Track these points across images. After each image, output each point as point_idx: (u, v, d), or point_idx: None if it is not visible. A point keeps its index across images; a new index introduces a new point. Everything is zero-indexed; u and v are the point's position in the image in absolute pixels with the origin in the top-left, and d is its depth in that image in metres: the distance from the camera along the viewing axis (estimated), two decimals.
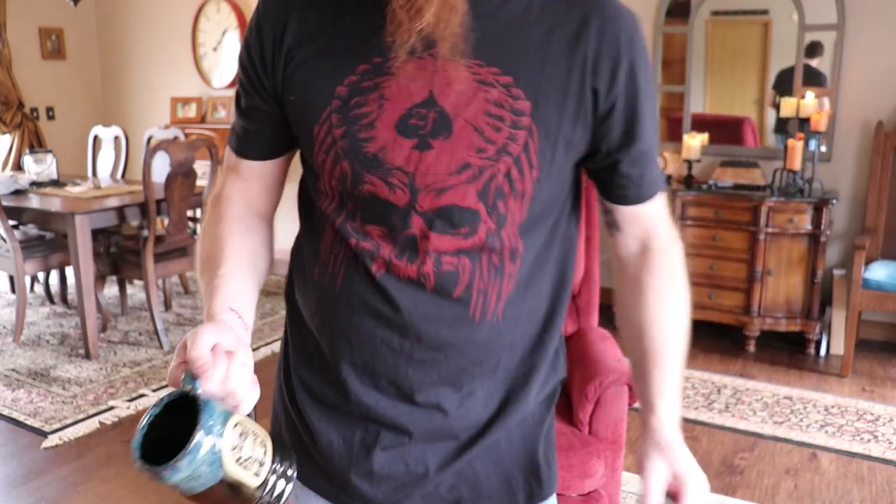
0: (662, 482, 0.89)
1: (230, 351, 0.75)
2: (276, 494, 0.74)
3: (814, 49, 3.87)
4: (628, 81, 0.85)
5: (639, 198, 0.94)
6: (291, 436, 1.00)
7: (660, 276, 0.96)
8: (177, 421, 0.72)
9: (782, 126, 3.94)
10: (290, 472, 0.75)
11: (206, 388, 0.72)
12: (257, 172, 0.99)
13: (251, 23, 0.93)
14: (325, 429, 0.95)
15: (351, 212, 0.89)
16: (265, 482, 0.72)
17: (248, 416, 0.76)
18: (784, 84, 3.95)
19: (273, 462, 0.73)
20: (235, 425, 0.71)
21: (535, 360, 0.96)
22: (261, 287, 0.96)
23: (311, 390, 0.97)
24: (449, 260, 0.87)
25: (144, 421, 0.72)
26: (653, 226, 0.96)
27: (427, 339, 0.89)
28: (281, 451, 0.75)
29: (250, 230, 0.96)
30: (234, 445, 0.70)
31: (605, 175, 0.92)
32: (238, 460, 0.70)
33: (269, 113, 0.93)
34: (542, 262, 0.93)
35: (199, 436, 0.68)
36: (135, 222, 4.00)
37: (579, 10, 0.84)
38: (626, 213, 0.95)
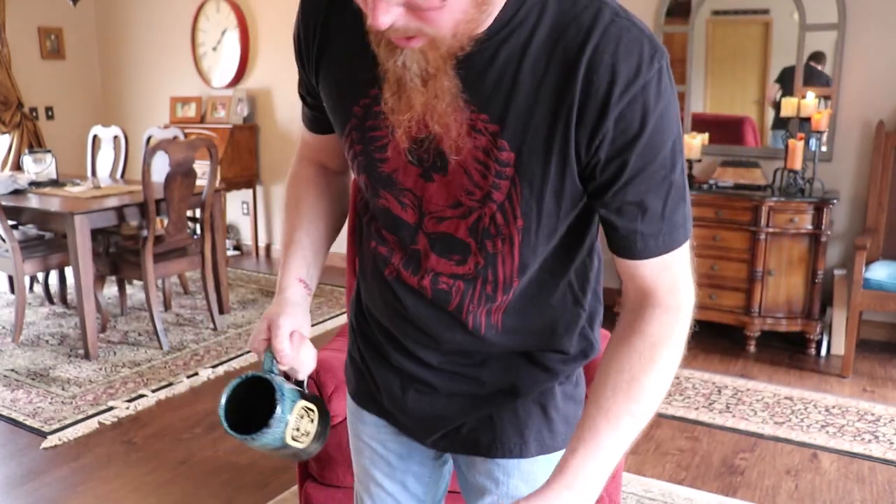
0: None
1: (302, 336, 0.95)
2: (309, 452, 0.97)
3: (817, 57, 3.89)
4: (616, 132, 0.80)
5: (629, 253, 0.87)
6: (357, 370, 1.15)
7: (634, 353, 0.87)
8: (252, 387, 0.92)
9: (781, 123, 3.95)
10: (324, 438, 0.98)
11: (282, 368, 0.94)
12: (324, 142, 1.09)
13: (296, 26, 1.01)
14: (377, 370, 1.10)
15: (373, 216, 1.00)
16: (307, 447, 0.95)
17: (302, 382, 0.97)
18: (787, 81, 3.95)
19: (316, 433, 0.95)
20: (300, 408, 0.92)
21: (552, 351, 1.02)
22: (341, 228, 1.13)
23: (368, 341, 1.11)
24: (445, 280, 0.95)
25: (227, 391, 0.91)
26: (651, 288, 0.88)
27: (432, 334, 0.99)
28: (323, 422, 0.97)
29: (324, 188, 1.10)
30: (296, 426, 0.92)
31: (601, 219, 0.89)
32: (293, 436, 0.92)
33: (319, 104, 1.01)
34: (548, 287, 0.96)
35: (275, 419, 0.89)
36: (134, 222, 4.00)
37: (572, 49, 0.79)
38: (621, 263, 0.89)
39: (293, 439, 0.92)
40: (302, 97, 1.06)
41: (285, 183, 1.16)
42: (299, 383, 0.97)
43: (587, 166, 0.83)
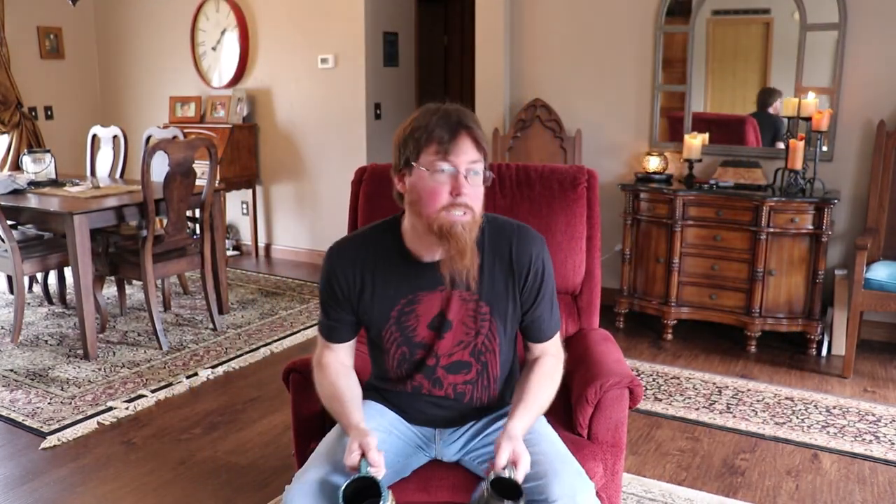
0: (508, 454, 1.47)
1: (380, 451, 1.49)
2: None
3: (770, 94, 3.99)
4: (532, 283, 1.63)
5: (541, 339, 1.70)
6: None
7: (540, 374, 1.66)
8: (359, 483, 1.42)
9: (769, 140, 4.04)
10: None
11: (371, 472, 1.45)
12: (342, 347, 1.71)
13: (327, 273, 1.64)
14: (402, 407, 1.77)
15: (405, 364, 1.68)
16: None
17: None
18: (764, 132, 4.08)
19: None
20: (391, 498, 1.43)
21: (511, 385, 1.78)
22: (361, 392, 1.69)
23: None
24: (460, 388, 1.68)
25: (343, 486, 1.40)
26: (543, 353, 1.71)
27: (449, 413, 1.74)
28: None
29: (347, 377, 1.69)
30: None
31: (523, 325, 1.70)
32: None
33: (350, 320, 1.67)
34: (509, 365, 1.75)
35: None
36: (133, 222, 3.99)
37: (507, 250, 1.62)
38: (532, 345, 1.72)
39: None
40: (334, 320, 1.67)
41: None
42: (374, 480, 1.47)
43: (521, 303, 1.65)
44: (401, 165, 1.55)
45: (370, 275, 1.61)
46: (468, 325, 1.62)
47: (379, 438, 1.63)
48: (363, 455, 1.46)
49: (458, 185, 1.48)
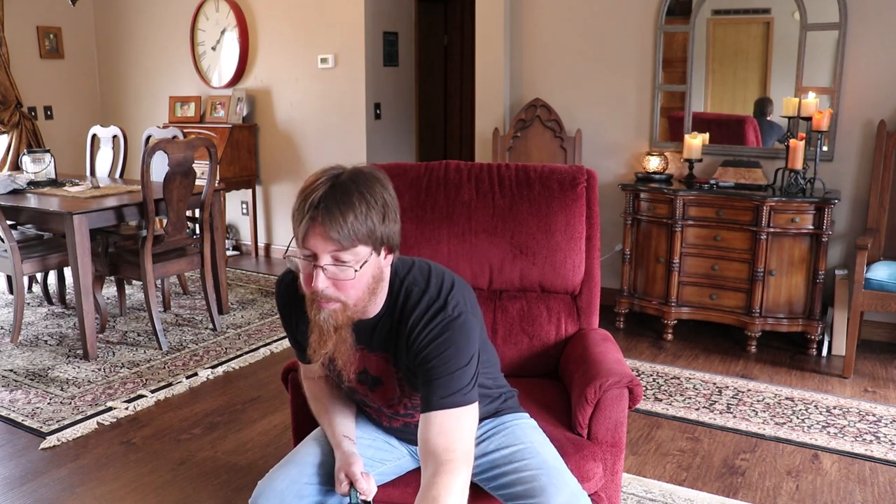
0: None
1: (367, 474, 1.52)
2: None
3: (763, 104, 4.02)
4: (419, 358, 1.44)
5: (422, 406, 1.44)
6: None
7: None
8: None
9: (771, 143, 4.04)
10: None
11: (361, 499, 1.48)
12: (311, 366, 1.65)
13: (279, 310, 1.62)
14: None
15: (353, 399, 1.69)
16: None
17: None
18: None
19: None
20: None
21: None
22: (355, 408, 1.71)
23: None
24: (415, 420, 1.56)
25: None
26: (433, 443, 1.42)
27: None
28: None
29: (330, 390, 1.69)
30: None
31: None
32: None
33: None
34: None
35: None
36: (133, 222, 3.99)
37: (405, 324, 1.46)
38: (420, 419, 1.45)
39: None
40: (295, 347, 1.64)
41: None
42: (366, 502, 1.50)
43: (417, 368, 1.46)
44: None
45: (297, 319, 1.55)
46: (392, 383, 1.55)
47: (368, 446, 1.66)
48: (352, 484, 1.47)
49: (312, 277, 1.33)
